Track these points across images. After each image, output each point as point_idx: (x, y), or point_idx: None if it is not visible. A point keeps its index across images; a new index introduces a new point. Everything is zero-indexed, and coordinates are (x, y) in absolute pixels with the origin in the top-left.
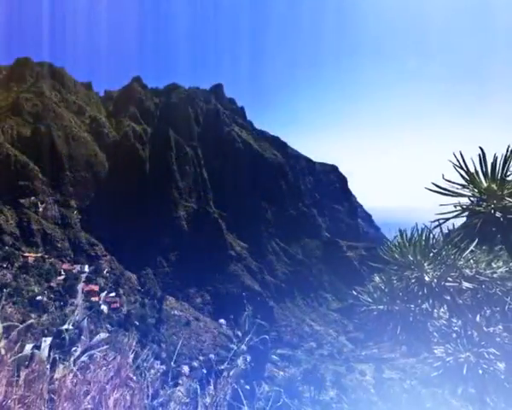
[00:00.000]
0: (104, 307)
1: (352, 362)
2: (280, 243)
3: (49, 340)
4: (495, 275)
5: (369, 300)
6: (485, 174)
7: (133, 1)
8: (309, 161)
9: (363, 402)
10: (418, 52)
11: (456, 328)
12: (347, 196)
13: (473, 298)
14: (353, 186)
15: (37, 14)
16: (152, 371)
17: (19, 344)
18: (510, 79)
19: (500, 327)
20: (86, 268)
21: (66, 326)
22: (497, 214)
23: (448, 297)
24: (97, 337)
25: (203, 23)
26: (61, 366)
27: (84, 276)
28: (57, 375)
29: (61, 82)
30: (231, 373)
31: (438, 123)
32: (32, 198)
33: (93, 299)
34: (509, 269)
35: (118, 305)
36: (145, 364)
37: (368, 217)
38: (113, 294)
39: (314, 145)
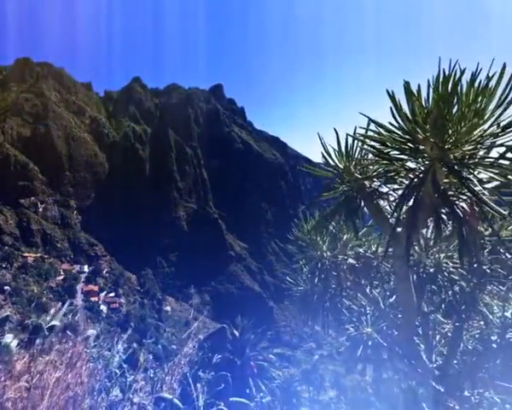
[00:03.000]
0: (103, 308)
1: (351, 362)
2: (280, 244)
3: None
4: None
5: (292, 281)
6: (342, 155)
7: (133, 1)
8: (309, 161)
9: (362, 402)
10: (420, 51)
11: (363, 303)
12: None
13: (367, 276)
14: None
15: (36, 14)
16: (116, 360)
17: None
18: None
19: (391, 300)
20: (86, 268)
21: (53, 323)
22: (354, 192)
23: (342, 274)
24: (85, 334)
25: (203, 23)
26: (20, 354)
27: (83, 276)
28: (13, 361)
29: (61, 82)
30: (182, 361)
31: None
32: (32, 198)
33: (92, 299)
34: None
35: (117, 305)
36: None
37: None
38: (112, 294)
39: (314, 145)
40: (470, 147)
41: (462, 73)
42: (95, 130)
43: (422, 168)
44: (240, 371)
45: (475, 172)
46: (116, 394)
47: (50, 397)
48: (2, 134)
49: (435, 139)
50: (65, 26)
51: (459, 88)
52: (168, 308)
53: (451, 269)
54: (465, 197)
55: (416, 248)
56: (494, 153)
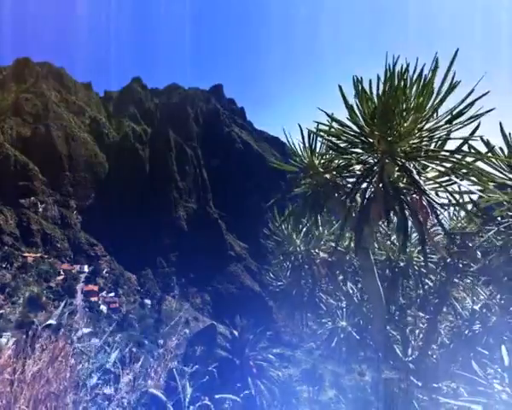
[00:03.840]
0: (103, 307)
1: (351, 363)
2: None
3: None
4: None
5: (273, 277)
6: (307, 150)
7: (133, 1)
8: None
9: (361, 402)
10: (421, 50)
11: (339, 297)
12: None
13: (341, 270)
14: None
15: (36, 14)
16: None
17: None
18: None
19: (367, 295)
20: (86, 268)
21: (49, 322)
22: (318, 186)
23: (315, 268)
24: (79, 332)
25: (204, 24)
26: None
27: (83, 276)
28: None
29: (61, 82)
30: (168, 356)
31: None
32: (32, 198)
33: (92, 299)
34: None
35: (117, 305)
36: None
37: None
38: (112, 294)
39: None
40: (416, 140)
41: (407, 68)
42: (95, 130)
43: (376, 161)
44: (239, 371)
45: (428, 167)
46: (101, 389)
47: (31, 391)
48: (2, 134)
49: (381, 132)
50: (65, 26)
51: (402, 83)
52: (168, 308)
53: (422, 263)
54: (416, 190)
55: (388, 242)
56: (452, 146)
